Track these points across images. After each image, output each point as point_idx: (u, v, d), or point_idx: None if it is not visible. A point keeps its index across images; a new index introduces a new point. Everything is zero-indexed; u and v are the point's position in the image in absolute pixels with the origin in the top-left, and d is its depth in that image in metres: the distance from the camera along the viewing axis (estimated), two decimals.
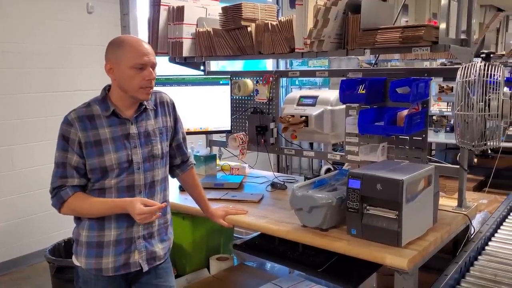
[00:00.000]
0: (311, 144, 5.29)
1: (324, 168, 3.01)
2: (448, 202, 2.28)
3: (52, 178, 1.77)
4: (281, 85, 2.99)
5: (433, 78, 2.32)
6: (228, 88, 2.96)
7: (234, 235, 3.29)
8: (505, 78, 1.84)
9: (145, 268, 1.83)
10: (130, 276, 1.86)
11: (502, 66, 1.80)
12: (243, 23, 2.60)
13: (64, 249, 2.99)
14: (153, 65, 1.77)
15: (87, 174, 1.76)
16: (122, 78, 1.74)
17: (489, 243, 2.14)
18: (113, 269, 1.78)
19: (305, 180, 2.42)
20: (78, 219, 1.83)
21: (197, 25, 2.91)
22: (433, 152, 5.07)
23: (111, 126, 1.76)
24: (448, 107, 5.05)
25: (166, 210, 1.93)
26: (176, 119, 1.97)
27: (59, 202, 1.75)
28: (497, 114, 1.81)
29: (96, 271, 1.79)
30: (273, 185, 2.71)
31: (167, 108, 1.93)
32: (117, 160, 1.74)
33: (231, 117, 3.00)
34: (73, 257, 1.86)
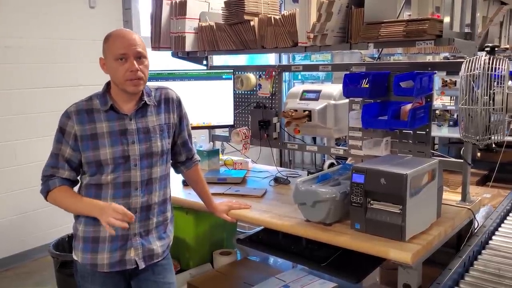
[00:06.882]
0: (314, 139, 5.29)
1: (327, 162, 3.02)
2: (451, 197, 2.27)
3: (44, 166, 1.80)
4: (284, 79, 2.98)
5: (436, 72, 2.31)
6: (230, 82, 2.95)
7: (238, 229, 3.29)
8: (509, 72, 1.83)
9: (142, 265, 1.80)
10: (127, 273, 1.84)
11: (507, 59, 1.79)
12: (246, 17, 2.59)
13: (68, 244, 3.00)
14: (138, 55, 1.70)
15: (78, 169, 1.78)
16: (110, 72, 1.74)
17: (493, 237, 2.13)
18: (108, 265, 1.77)
19: (308, 175, 2.42)
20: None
21: (199, 19, 2.90)
22: (436, 147, 5.06)
23: (109, 120, 1.75)
24: (451, 101, 5.03)
25: (166, 208, 1.90)
26: (181, 116, 1.94)
27: (45, 191, 1.78)
28: (502, 108, 1.80)
29: (91, 266, 1.78)
30: (276, 180, 2.71)
31: (172, 105, 1.89)
32: (112, 155, 1.73)
33: (234, 111, 3.00)
34: (73, 251, 1.86)
